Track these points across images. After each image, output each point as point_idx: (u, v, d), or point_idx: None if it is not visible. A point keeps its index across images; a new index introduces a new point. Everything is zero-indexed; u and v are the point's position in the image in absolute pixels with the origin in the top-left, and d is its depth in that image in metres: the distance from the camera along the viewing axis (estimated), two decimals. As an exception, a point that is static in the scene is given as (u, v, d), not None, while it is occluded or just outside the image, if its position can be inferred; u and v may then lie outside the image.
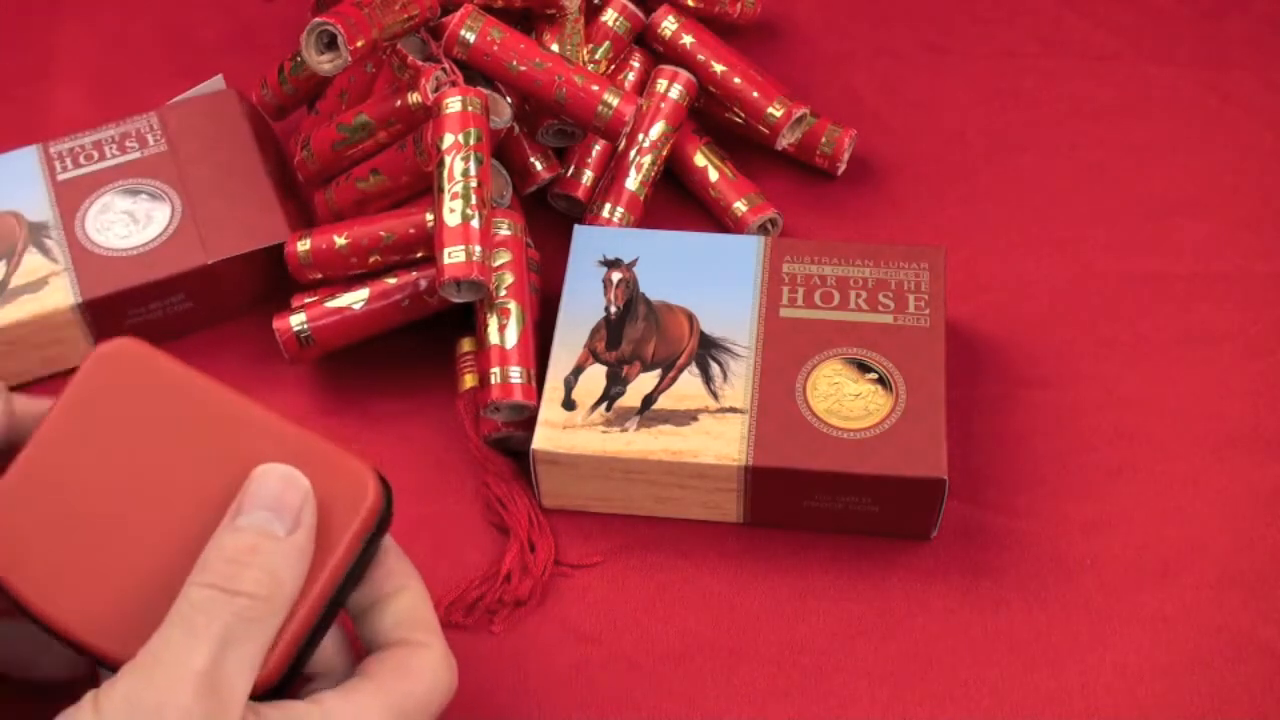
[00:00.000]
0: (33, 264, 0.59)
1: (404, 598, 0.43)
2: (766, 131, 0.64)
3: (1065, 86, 0.69)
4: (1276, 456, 0.56)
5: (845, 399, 0.53)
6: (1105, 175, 0.65)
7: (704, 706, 0.51)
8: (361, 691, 0.40)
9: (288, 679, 0.40)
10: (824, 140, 0.64)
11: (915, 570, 0.53)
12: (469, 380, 0.57)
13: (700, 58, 0.64)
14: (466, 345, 0.58)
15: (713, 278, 0.57)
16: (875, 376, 0.54)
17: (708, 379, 0.54)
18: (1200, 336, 0.60)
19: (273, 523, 0.39)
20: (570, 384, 0.54)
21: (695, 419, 0.53)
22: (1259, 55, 0.69)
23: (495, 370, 0.55)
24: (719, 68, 0.64)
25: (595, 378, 0.54)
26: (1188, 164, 0.65)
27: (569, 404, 0.54)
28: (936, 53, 0.71)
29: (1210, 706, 0.50)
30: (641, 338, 0.55)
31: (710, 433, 0.53)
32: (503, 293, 0.56)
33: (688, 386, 0.54)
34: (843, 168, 0.65)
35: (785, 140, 0.64)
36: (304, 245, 0.58)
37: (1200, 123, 0.67)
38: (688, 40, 0.65)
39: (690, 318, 0.56)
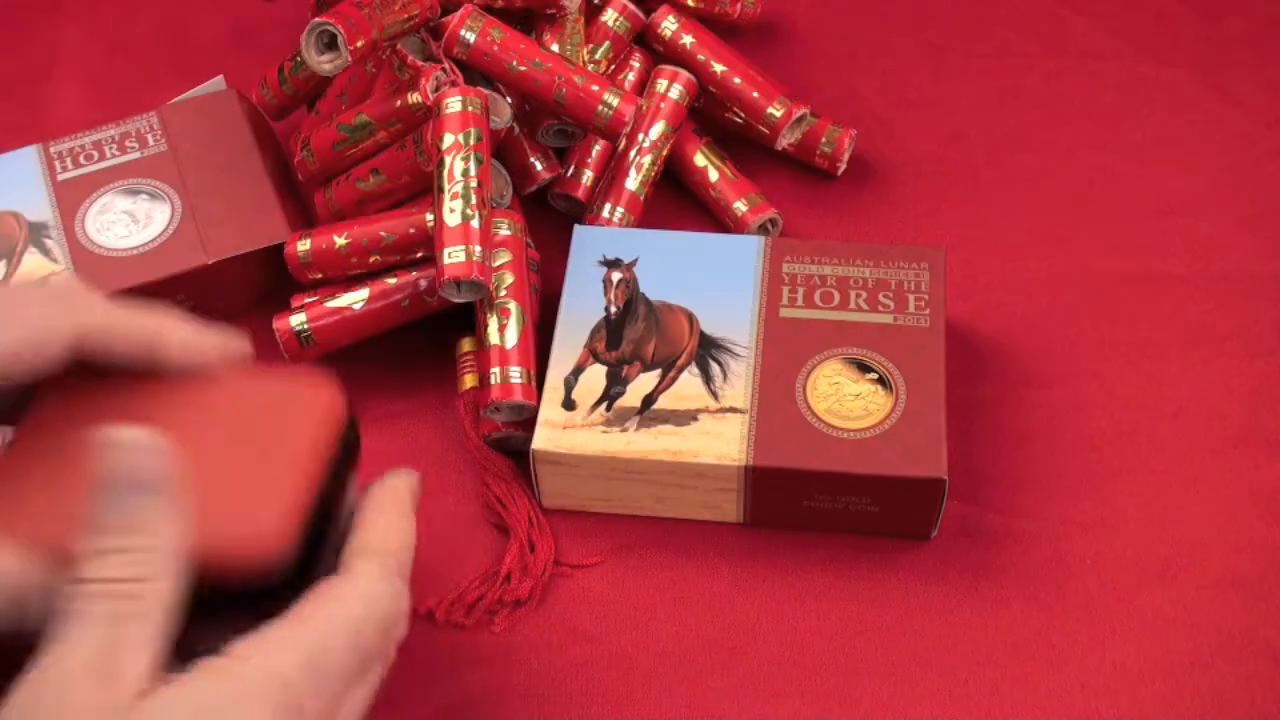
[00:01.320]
0: (33, 264, 0.59)
1: (356, 534, 0.42)
2: (766, 131, 0.64)
3: (1065, 86, 0.69)
4: (1276, 456, 0.56)
5: (845, 399, 0.53)
6: (1105, 175, 0.65)
7: (704, 707, 0.50)
8: (275, 631, 0.38)
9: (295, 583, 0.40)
10: (824, 140, 0.64)
11: (915, 570, 0.53)
12: (469, 380, 0.57)
13: (700, 58, 0.64)
14: (466, 345, 0.58)
15: (713, 278, 0.57)
16: (875, 377, 0.54)
17: (708, 379, 0.54)
18: (1200, 336, 0.60)
19: (131, 495, 0.37)
20: (570, 384, 0.54)
21: (695, 419, 0.53)
22: (1259, 55, 0.69)
23: (495, 370, 0.55)
24: (719, 68, 0.64)
25: (595, 378, 0.54)
26: (1188, 164, 0.65)
27: (569, 404, 0.54)
28: (936, 53, 0.71)
29: (1210, 706, 0.50)
30: (641, 338, 0.55)
31: (710, 433, 0.53)
32: (503, 293, 0.56)
33: (688, 386, 0.54)
34: (843, 167, 0.65)
35: (785, 140, 0.64)
36: (304, 245, 0.58)
37: (1200, 123, 0.67)
38: (688, 40, 0.65)
39: (690, 318, 0.56)
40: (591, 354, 0.55)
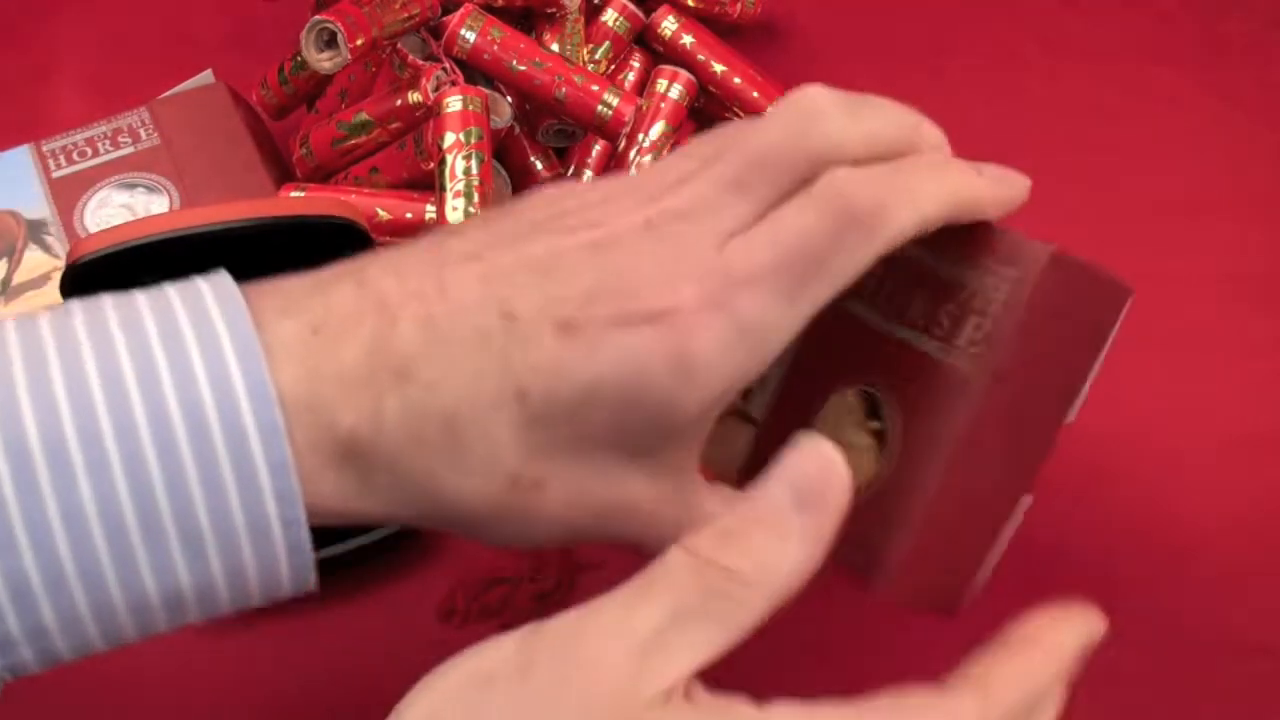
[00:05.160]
0: (34, 261, 0.59)
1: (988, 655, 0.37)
2: (767, 131, 0.64)
3: (1065, 86, 0.69)
4: (1276, 456, 0.56)
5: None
6: (1105, 175, 0.65)
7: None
8: (822, 717, 0.35)
9: None
10: (824, 140, 0.64)
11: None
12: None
13: (700, 58, 0.64)
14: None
15: None
16: (878, 428, 0.40)
17: None
18: (1201, 336, 0.60)
19: (787, 502, 0.33)
20: None
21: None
22: (1259, 55, 0.69)
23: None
24: (719, 68, 0.64)
25: None
26: (1188, 164, 0.65)
27: None
28: (936, 53, 0.71)
29: (1210, 706, 0.50)
30: None
31: (720, 440, 0.47)
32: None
33: None
34: (843, 167, 0.65)
35: (785, 140, 0.64)
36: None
37: (1200, 123, 0.67)
38: (688, 40, 0.65)
39: None
40: None
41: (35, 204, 0.61)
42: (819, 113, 0.36)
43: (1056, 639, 0.38)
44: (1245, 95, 0.68)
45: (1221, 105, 0.68)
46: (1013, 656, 0.37)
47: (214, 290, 0.34)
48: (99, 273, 0.51)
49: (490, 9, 0.60)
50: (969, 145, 0.67)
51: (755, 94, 0.64)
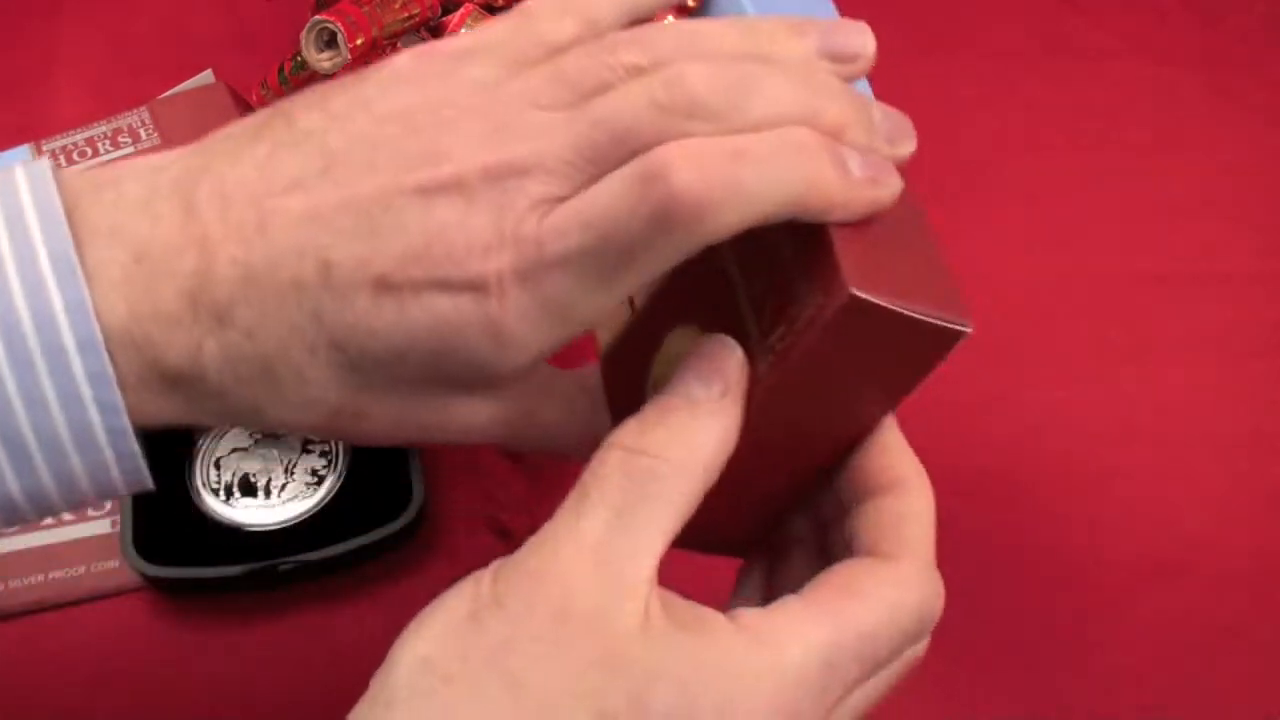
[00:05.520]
0: (32, 262, 0.59)
1: (892, 499, 0.37)
2: (767, 131, 0.64)
3: (1065, 86, 0.69)
4: (1276, 456, 0.56)
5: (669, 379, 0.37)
6: (1105, 175, 0.65)
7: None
8: (787, 613, 0.34)
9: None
10: (824, 140, 0.64)
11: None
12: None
13: (700, 57, 0.64)
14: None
15: None
16: None
17: None
18: (1200, 336, 0.60)
19: (696, 386, 0.34)
20: None
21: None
22: (1259, 55, 0.69)
23: None
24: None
25: None
26: (1188, 164, 0.65)
27: None
28: (936, 53, 0.71)
29: (1210, 706, 0.50)
30: None
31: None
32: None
33: None
34: (843, 167, 0.65)
35: (785, 140, 0.64)
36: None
37: (1200, 123, 0.67)
38: (688, 40, 0.65)
39: None
40: None
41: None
42: (690, 96, 0.33)
43: (924, 487, 0.38)
44: (1245, 95, 0.68)
45: (1221, 105, 0.68)
46: (918, 517, 0.38)
47: (36, 203, 0.34)
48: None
49: (490, 8, 0.60)
50: (969, 145, 0.68)
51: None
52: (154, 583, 0.52)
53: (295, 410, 0.35)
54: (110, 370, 0.33)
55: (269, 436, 0.56)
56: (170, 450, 0.55)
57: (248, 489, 0.54)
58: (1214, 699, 0.50)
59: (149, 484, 0.37)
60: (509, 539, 0.54)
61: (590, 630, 0.32)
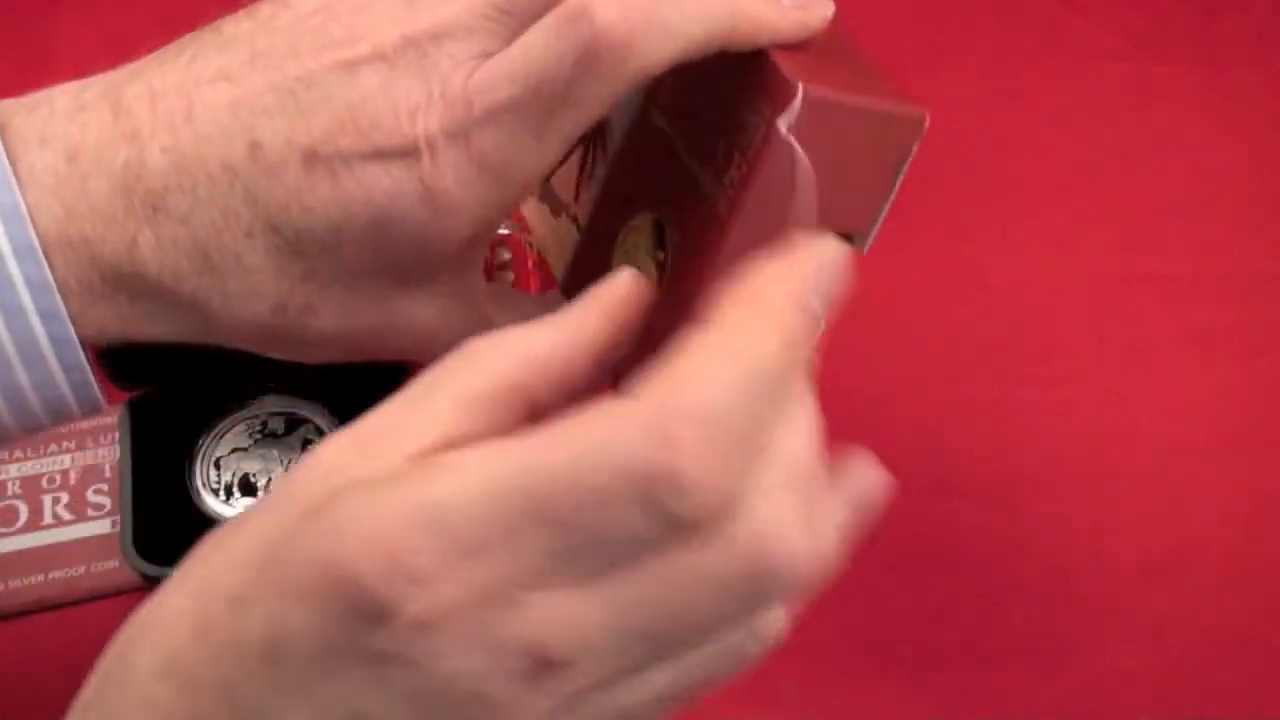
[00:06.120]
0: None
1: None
2: (767, 131, 0.64)
3: (1065, 86, 0.69)
4: (1277, 456, 0.56)
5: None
6: (1105, 175, 0.65)
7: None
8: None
9: None
10: (824, 140, 0.64)
11: (913, 570, 0.53)
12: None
13: (700, 57, 0.64)
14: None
15: None
16: (663, 257, 0.37)
17: (582, 168, 0.41)
18: (1200, 336, 0.60)
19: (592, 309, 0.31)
20: None
21: (558, 212, 0.41)
22: (1259, 55, 0.69)
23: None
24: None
25: None
26: (1188, 164, 0.65)
27: None
28: (936, 53, 0.71)
29: (1210, 706, 0.50)
30: None
31: (562, 235, 0.41)
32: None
33: (570, 168, 0.41)
34: (843, 167, 0.65)
35: (785, 140, 0.64)
36: None
37: (1200, 123, 0.67)
38: (688, 39, 0.65)
39: None
40: None
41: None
42: None
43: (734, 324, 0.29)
44: (1245, 95, 0.68)
45: (1221, 105, 0.68)
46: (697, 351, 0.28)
47: None
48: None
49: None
50: (969, 145, 0.67)
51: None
52: (154, 583, 0.52)
53: (239, 305, 0.34)
54: (49, 276, 0.33)
55: (269, 436, 0.56)
56: (170, 450, 0.55)
57: (248, 489, 0.54)
58: (1214, 699, 0.50)
59: (101, 404, 0.36)
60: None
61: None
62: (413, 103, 0.33)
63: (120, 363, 0.54)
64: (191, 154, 0.33)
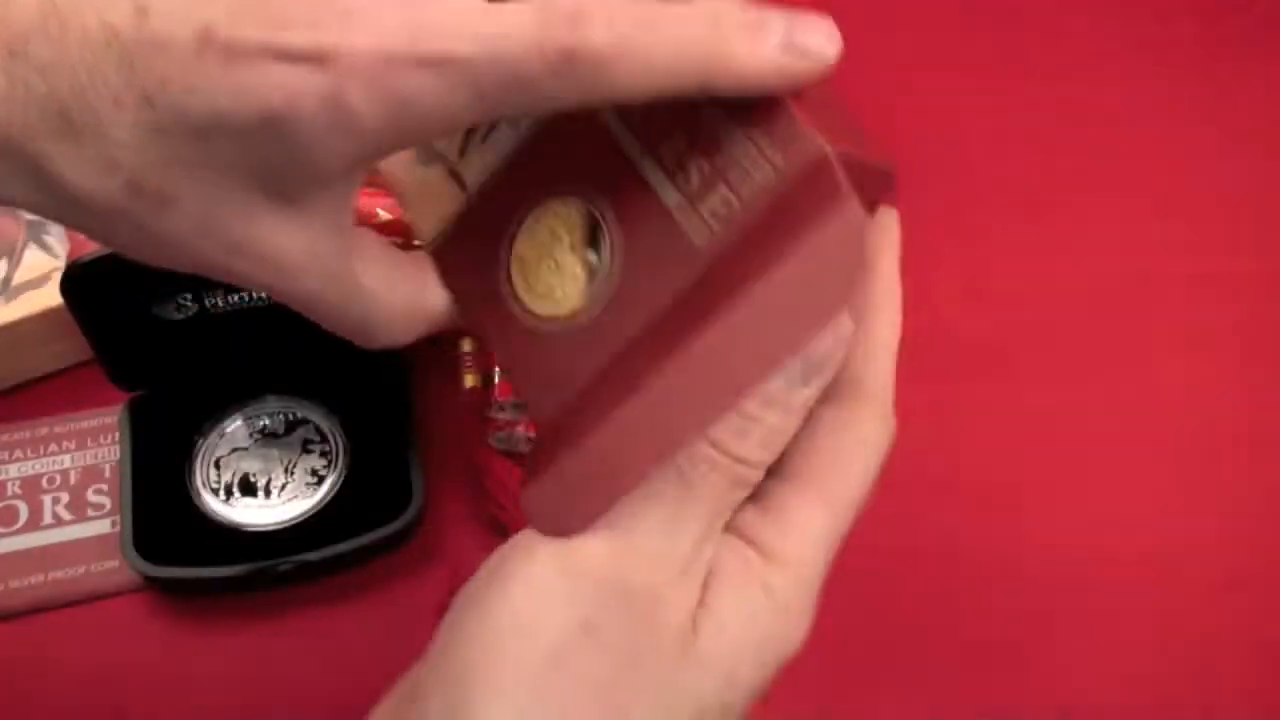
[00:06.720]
0: (34, 261, 0.59)
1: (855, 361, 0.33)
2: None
3: (1065, 86, 0.69)
4: (1277, 456, 0.56)
5: (543, 261, 0.35)
6: (1105, 175, 0.65)
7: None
8: (804, 512, 0.33)
9: None
10: (824, 140, 0.64)
11: (913, 570, 0.53)
12: (469, 380, 0.57)
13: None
14: (467, 345, 0.58)
15: None
16: (595, 261, 0.35)
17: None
18: (1200, 336, 0.60)
19: (793, 379, 0.32)
20: None
21: (430, 162, 0.38)
22: (1259, 55, 0.69)
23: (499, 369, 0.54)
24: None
25: None
26: (1188, 164, 0.65)
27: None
28: (937, 53, 0.71)
29: (1210, 706, 0.50)
30: None
31: (431, 188, 0.38)
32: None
33: None
34: (843, 167, 0.65)
35: (785, 140, 0.64)
36: None
37: (1200, 123, 0.67)
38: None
39: None
40: None
41: (35, 204, 0.61)
42: None
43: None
44: (1244, 96, 0.68)
45: (1221, 106, 0.68)
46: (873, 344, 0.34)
47: None
48: (99, 273, 0.51)
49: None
50: (969, 145, 0.68)
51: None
52: (154, 583, 0.52)
53: (91, 176, 0.31)
54: None
55: (269, 436, 0.56)
56: (170, 450, 0.55)
57: (248, 489, 0.54)
58: (1214, 699, 0.50)
59: None
60: (509, 539, 0.54)
61: (676, 656, 0.31)
62: (346, 5, 0.30)
63: (120, 363, 0.55)
64: (67, 5, 0.30)
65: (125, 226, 0.32)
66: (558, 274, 0.35)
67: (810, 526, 0.33)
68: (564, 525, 0.33)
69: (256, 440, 0.56)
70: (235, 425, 0.56)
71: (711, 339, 0.31)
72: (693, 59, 0.30)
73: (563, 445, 0.33)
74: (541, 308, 0.35)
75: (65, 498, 0.55)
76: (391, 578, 0.53)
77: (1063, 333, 0.60)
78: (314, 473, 0.55)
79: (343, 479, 0.55)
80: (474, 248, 0.36)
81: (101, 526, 0.54)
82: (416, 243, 0.37)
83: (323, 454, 0.55)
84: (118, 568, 0.53)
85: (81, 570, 0.53)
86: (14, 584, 0.53)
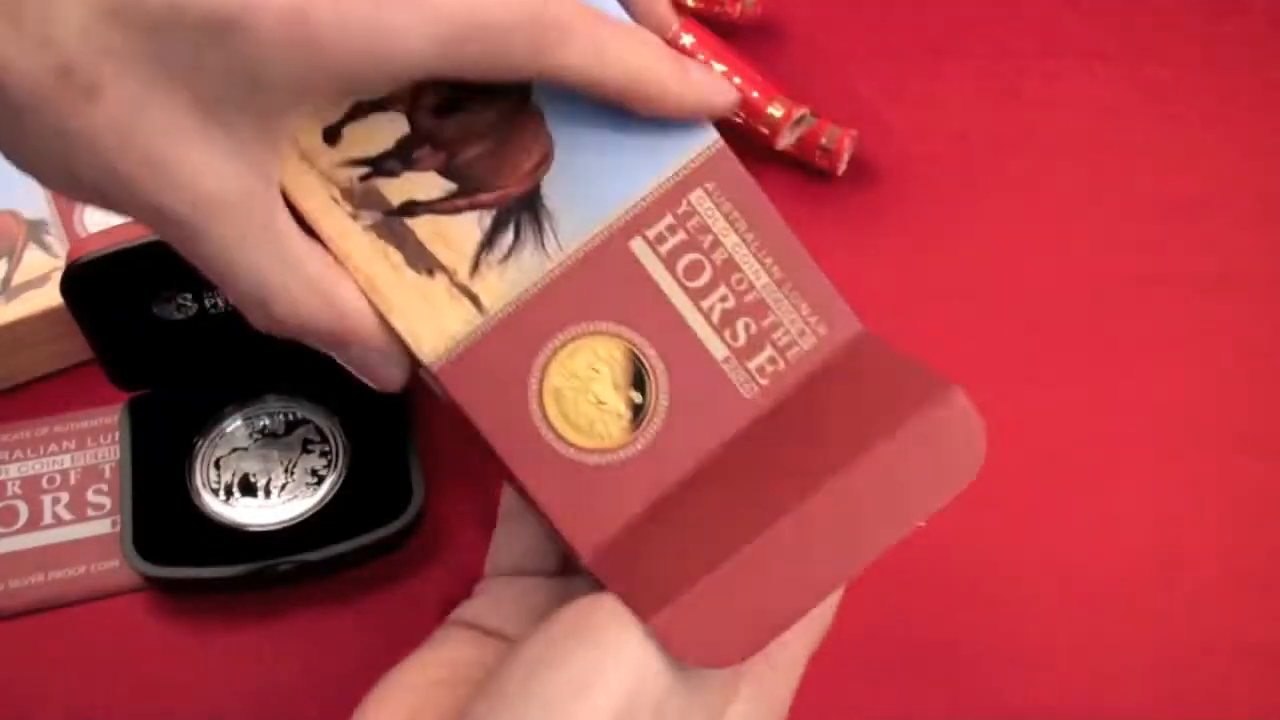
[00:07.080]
0: (34, 261, 0.59)
1: None
2: (766, 132, 0.64)
3: (1065, 86, 0.69)
4: (1277, 456, 0.56)
5: (582, 395, 0.37)
6: (1105, 175, 0.65)
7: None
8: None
9: None
10: (824, 140, 0.64)
11: (911, 570, 0.53)
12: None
13: (700, 57, 0.64)
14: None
15: (613, 143, 0.37)
16: (640, 401, 0.37)
17: (490, 242, 0.37)
18: (1200, 336, 0.60)
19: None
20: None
21: (433, 272, 0.37)
22: (1259, 55, 0.69)
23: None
24: (719, 68, 0.64)
25: (384, 130, 0.36)
26: (1187, 164, 0.65)
27: (332, 135, 0.37)
28: (936, 53, 0.71)
29: (1210, 706, 0.50)
30: (475, 128, 0.37)
31: (431, 300, 0.37)
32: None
33: (462, 230, 0.37)
34: (843, 168, 0.65)
35: (785, 140, 0.64)
36: None
37: (1200, 123, 0.67)
38: (688, 40, 0.65)
39: (545, 155, 0.38)
40: (412, 107, 0.37)
41: (35, 204, 0.61)
42: None
43: None
44: (1245, 96, 0.68)
45: (1221, 106, 0.68)
46: None
47: None
48: (99, 273, 0.51)
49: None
50: (969, 145, 0.68)
51: (755, 94, 0.64)
52: (154, 583, 0.52)
53: (25, 54, 0.29)
54: None
55: (269, 436, 0.56)
56: (170, 450, 0.55)
57: (248, 489, 0.54)
58: (1214, 699, 0.50)
59: None
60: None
61: None
62: None
63: (120, 363, 0.55)
64: None
65: (41, 121, 0.30)
66: (599, 409, 0.37)
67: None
68: (715, 655, 0.34)
69: (256, 440, 0.56)
70: (235, 425, 0.56)
71: (837, 487, 0.34)
72: (627, 71, 0.34)
73: (670, 577, 0.34)
74: (580, 439, 0.37)
75: (65, 498, 0.55)
76: (391, 578, 0.53)
77: (1062, 332, 0.60)
78: (314, 473, 0.55)
79: (343, 479, 0.55)
80: (495, 369, 0.37)
81: (101, 526, 0.54)
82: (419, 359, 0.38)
83: (323, 454, 0.55)
84: (118, 568, 0.53)
85: (81, 570, 0.53)
86: (14, 584, 0.53)
